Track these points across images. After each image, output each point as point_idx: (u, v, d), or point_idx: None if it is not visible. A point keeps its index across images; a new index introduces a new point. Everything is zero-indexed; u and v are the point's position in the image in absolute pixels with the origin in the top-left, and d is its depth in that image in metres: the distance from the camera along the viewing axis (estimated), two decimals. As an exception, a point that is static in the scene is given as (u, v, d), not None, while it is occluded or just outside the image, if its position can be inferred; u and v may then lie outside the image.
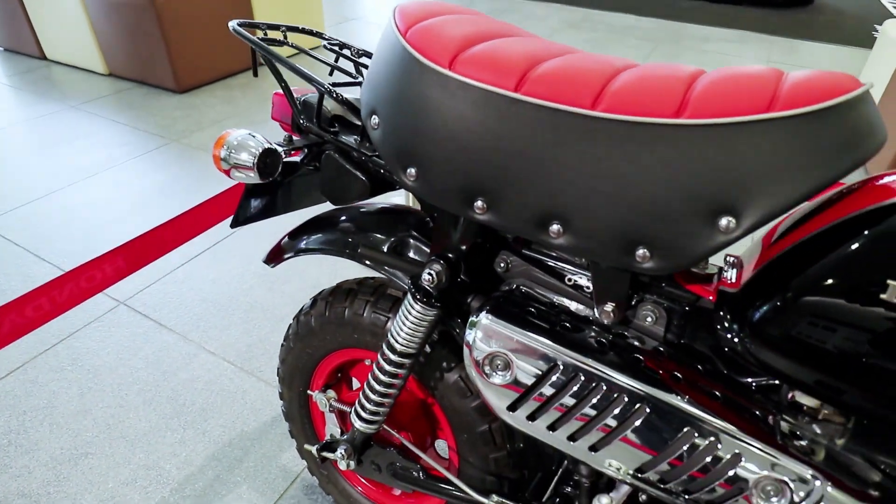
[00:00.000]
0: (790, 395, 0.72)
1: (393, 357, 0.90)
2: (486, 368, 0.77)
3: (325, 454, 1.11)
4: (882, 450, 0.65)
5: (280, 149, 0.94)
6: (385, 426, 1.08)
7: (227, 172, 0.94)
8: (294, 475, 1.51)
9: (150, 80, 3.88)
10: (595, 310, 0.77)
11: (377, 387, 0.94)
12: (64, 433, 1.62)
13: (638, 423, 0.70)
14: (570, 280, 0.83)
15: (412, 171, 0.75)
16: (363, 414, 0.99)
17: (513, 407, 0.77)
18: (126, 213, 2.60)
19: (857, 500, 0.63)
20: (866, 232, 0.59)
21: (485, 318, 0.77)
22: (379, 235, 1.00)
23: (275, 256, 1.17)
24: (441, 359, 1.01)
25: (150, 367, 1.82)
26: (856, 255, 0.59)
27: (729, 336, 0.72)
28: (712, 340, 0.77)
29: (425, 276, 0.80)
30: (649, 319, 0.77)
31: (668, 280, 0.80)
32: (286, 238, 1.15)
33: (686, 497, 0.70)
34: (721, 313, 0.74)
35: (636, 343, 0.77)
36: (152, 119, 3.49)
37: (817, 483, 0.64)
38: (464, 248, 0.83)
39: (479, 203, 0.72)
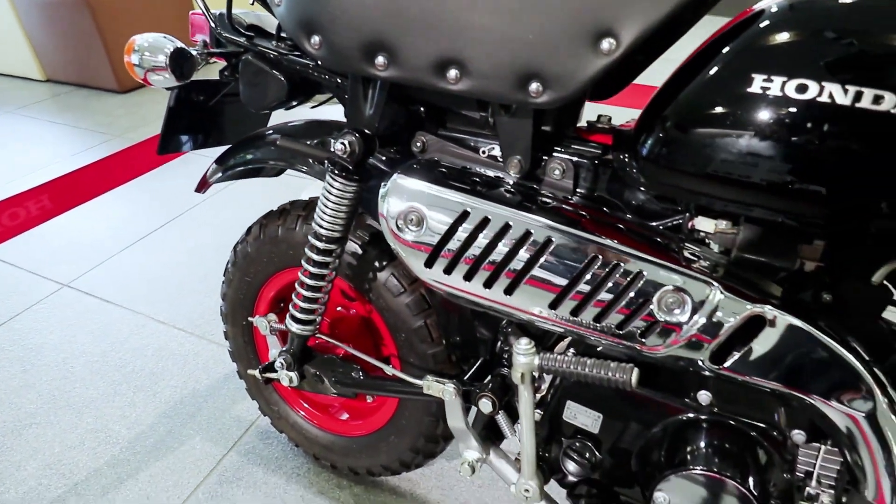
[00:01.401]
0: (690, 225, 0.76)
1: (319, 244, 0.91)
2: (400, 223, 0.79)
3: (268, 375, 1.11)
4: (766, 252, 0.69)
5: (194, 52, 0.95)
6: (326, 338, 1.09)
7: (146, 80, 0.94)
8: (248, 423, 1.49)
9: (91, 83, 3.81)
10: (504, 165, 0.80)
11: (308, 281, 0.95)
12: (6, 408, 1.57)
13: (547, 258, 0.73)
14: (484, 152, 0.86)
15: (316, 39, 0.77)
16: (297, 314, 0.99)
17: (429, 263, 0.79)
18: (68, 204, 2.53)
19: (747, 301, 0.67)
20: (728, 44, 0.63)
21: (397, 178, 0.79)
22: (302, 139, 1.01)
23: (203, 183, 1.17)
24: (372, 260, 1.03)
25: (98, 340, 1.78)
26: (723, 63, 0.63)
27: (629, 170, 0.76)
28: (618, 186, 0.81)
29: (337, 146, 0.82)
30: (557, 173, 0.80)
31: (573, 135, 0.83)
32: (213, 164, 1.15)
33: (597, 327, 0.73)
34: (619, 153, 0.78)
35: (547, 195, 0.80)
36: (94, 118, 3.43)
37: (713, 290, 0.68)
38: (377, 123, 0.85)
39: (380, 59, 0.74)
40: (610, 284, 0.71)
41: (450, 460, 1.39)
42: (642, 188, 0.77)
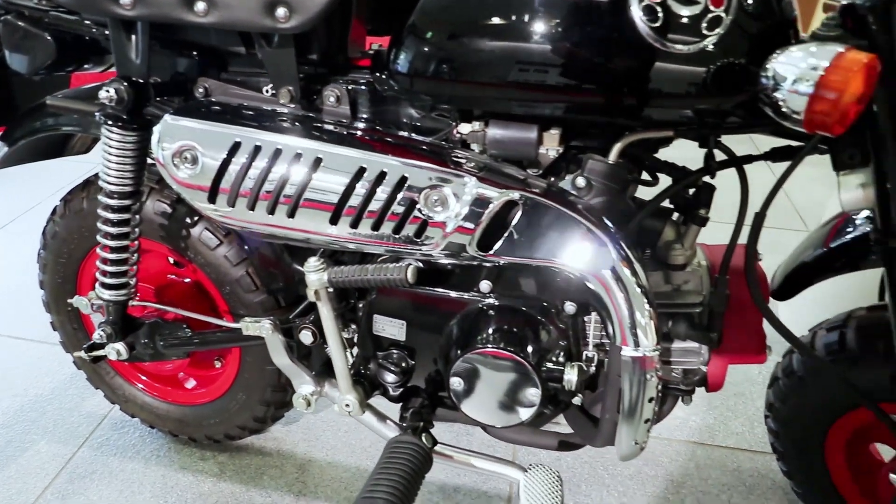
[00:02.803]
0: (455, 132, 0.82)
1: (112, 202, 0.89)
2: (176, 163, 0.80)
3: (95, 353, 1.07)
4: (510, 144, 0.77)
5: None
6: (151, 304, 1.07)
7: None
8: (100, 417, 1.43)
9: None
10: (277, 97, 0.82)
11: (109, 243, 0.93)
12: None
13: (318, 177, 0.77)
14: (268, 90, 0.87)
15: (56, -18, 0.75)
16: (106, 280, 0.96)
17: (212, 198, 0.80)
18: None
19: (500, 189, 0.74)
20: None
21: (167, 119, 0.79)
22: (81, 98, 0.97)
23: (-5, 163, 1.10)
24: (183, 217, 1.02)
25: (-81, 365, 1.62)
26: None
27: (388, 86, 0.81)
28: (393, 108, 0.85)
29: (102, 95, 0.80)
30: (332, 100, 0.84)
31: (346, 62, 0.87)
32: (-1, 141, 1.08)
33: (377, 236, 0.77)
34: (379, 73, 0.82)
35: (326, 121, 0.84)
36: None
37: (468, 183, 0.74)
38: (147, 70, 0.84)
39: (124, -3, 0.74)
40: (378, 193, 0.76)
41: (315, 413, 1.41)
42: (401, 99, 0.83)
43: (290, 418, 1.39)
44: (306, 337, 0.93)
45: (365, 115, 0.86)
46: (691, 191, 0.86)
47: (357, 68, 0.86)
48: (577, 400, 0.88)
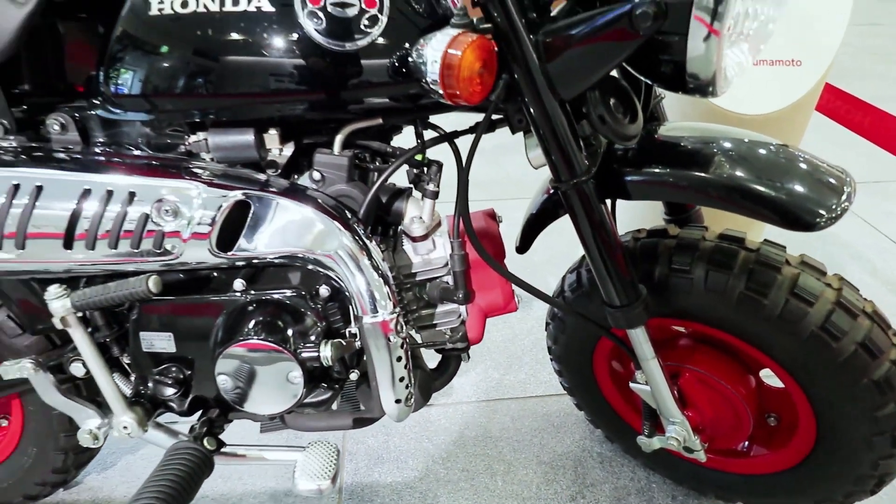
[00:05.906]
0: (185, 145, 0.86)
1: None
2: None
3: None
4: (233, 149, 0.82)
5: None
6: None
7: None
8: None
9: None
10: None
11: None
12: None
13: (41, 205, 0.77)
14: None
15: None
16: None
17: None
18: None
19: (229, 191, 0.79)
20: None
21: None
22: None
23: None
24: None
25: None
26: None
27: (103, 109, 0.83)
28: (127, 129, 0.87)
29: None
30: (57, 128, 0.84)
31: (65, 88, 0.88)
32: None
33: (117, 254, 0.79)
34: (90, 99, 0.84)
35: (53, 149, 0.84)
36: None
37: (196, 189, 0.79)
38: None
39: None
40: (108, 213, 0.78)
41: (134, 452, 1.36)
42: (132, 120, 0.85)
43: (107, 462, 1.33)
44: (77, 369, 0.91)
45: (100, 139, 0.87)
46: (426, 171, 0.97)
47: (83, 94, 0.87)
48: (355, 375, 0.95)
